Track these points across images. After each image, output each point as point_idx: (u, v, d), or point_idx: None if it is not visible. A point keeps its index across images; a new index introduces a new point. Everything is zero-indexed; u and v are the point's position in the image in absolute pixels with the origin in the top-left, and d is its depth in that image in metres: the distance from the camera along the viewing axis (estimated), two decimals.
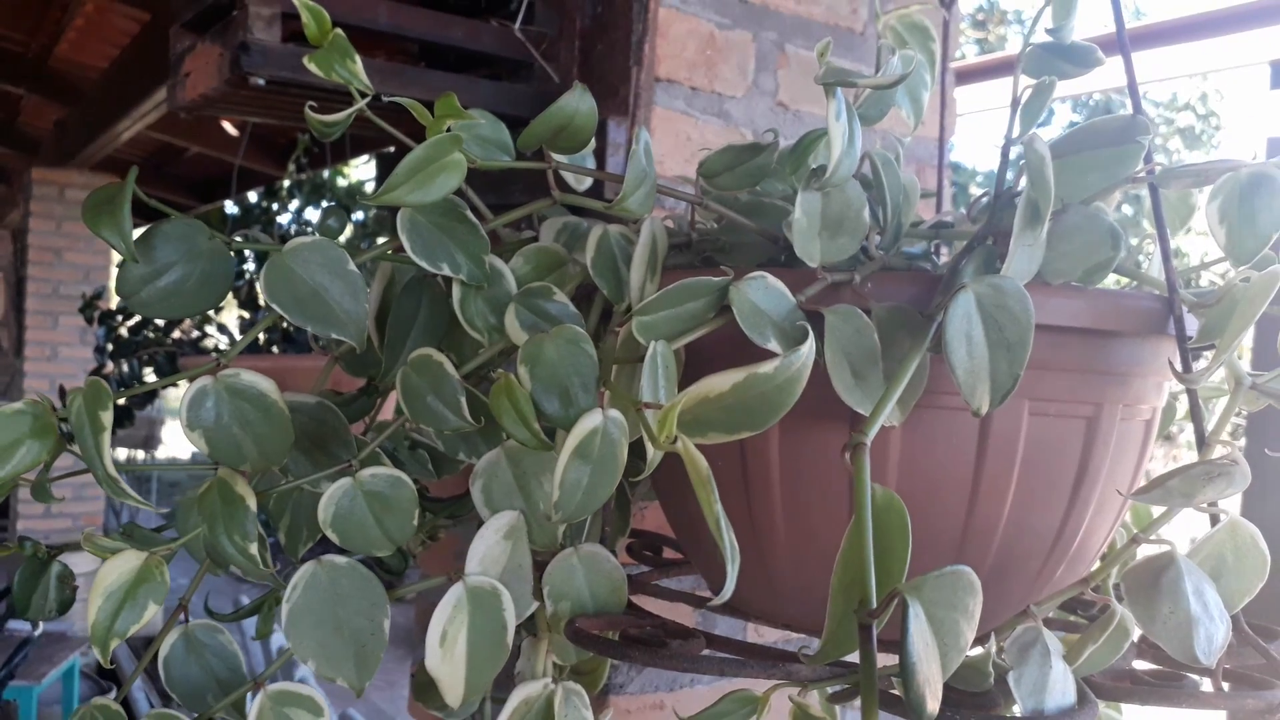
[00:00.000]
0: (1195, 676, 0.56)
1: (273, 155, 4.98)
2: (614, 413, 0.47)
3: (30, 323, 5.18)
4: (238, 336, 1.89)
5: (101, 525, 5.34)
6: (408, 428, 0.66)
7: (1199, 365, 0.56)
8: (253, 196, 5.62)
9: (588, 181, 0.68)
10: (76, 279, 5.26)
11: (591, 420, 0.46)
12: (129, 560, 0.52)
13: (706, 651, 0.58)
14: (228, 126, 4.61)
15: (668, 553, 0.86)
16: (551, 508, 0.46)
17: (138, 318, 2.06)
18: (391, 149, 1.49)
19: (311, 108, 0.63)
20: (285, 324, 2.05)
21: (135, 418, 2.10)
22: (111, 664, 0.55)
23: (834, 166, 0.47)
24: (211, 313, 2.06)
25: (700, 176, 0.59)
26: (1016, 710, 0.48)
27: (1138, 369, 0.60)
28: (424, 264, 0.54)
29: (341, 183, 5.84)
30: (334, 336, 0.53)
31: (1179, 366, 0.55)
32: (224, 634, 0.65)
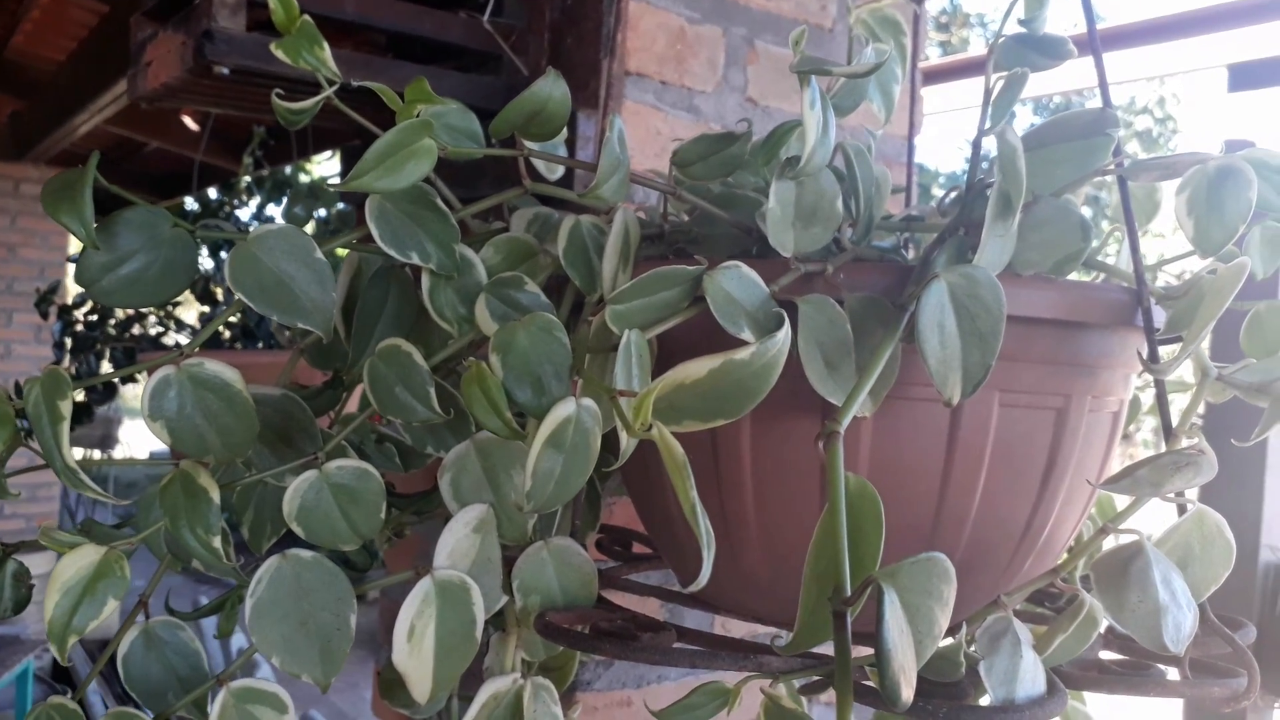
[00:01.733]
0: (1161, 666, 0.57)
1: (234, 151, 4.91)
2: (587, 401, 0.46)
3: None
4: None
5: (56, 525, 5.24)
6: (374, 421, 0.65)
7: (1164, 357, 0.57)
8: (213, 193, 5.56)
9: (559, 172, 0.67)
10: (31, 275, 5.16)
11: (565, 409, 0.45)
12: (87, 555, 0.51)
13: (677, 645, 0.57)
14: (188, 121, 4.55)
15: (637, 547, 0.86)
16: (523, 498, 0.46)
17: (95, 313, 2.02)
18: (357, 143, 1.47)
19: (279, 95, 0.62)
20: (246, 319, 2.02)
21: (94, 415, 2.06)
22: (68, 665, 0.54)
23: (808, 155, 0.47)
24: (173, 309, 2.03)
25: (674, 166, 0.58)
26: (986, 700, 0.48)
27: (1106, 361, 0.60)
28: (393, 252, 0.54)
29: (304, 179, 5.77)
30: (300, 326, 0.52)
31: (1147, 357, 0.55)
32: (185, 631, 0.64)
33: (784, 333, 0.43)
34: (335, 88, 0.64)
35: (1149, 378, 0.61)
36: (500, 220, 0.70)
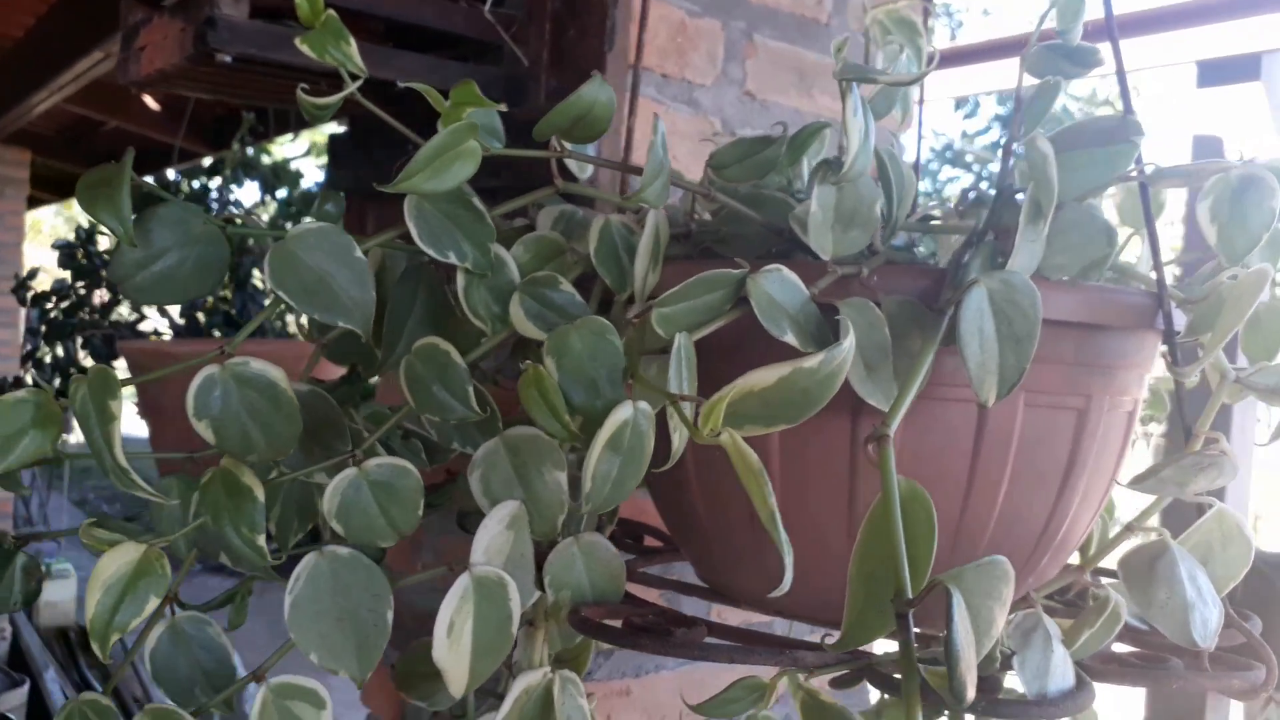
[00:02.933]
0: (1177, 659, 0.58)
1: (196, 131, 4.84)
2: (643, 405, 0.47)
3: None
4: (179, 321, 1.84)
5: (11, 513, 5.16)
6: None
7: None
8: (171, 174, 5.47)
9: (589, 171, 0.68)
10: None
11: (623, 412, 0.46)
12: (128, 552, 0.51)
13: (708, 639, 0.58)
14: (149, 100, 4.47)
15: (648, 541, 0.87)
16: (584, 498, 0.46)
17: (71, 300, 1.99)
18: (344, 130, 1.46)
19: (304, 90, 0.62)
20: (230, 307, 2.00)
21: None
22: (107, 662, 0.54)
23: (851, 161, 0.48)
24: None
25: (710, 168, 0.59)
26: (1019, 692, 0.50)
27: (1123, 362, 0.62)
28: (431, 251, 0.54)
29: (266, 159, 5.70)
30: (340, 325, 0.52)
31: (1170, 360, 0.57)
32: (212, 626, 0.63)
33: (850, 342, 0.44)
34: (359, 83, 0.64)
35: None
36: (521, 217, 0.70)
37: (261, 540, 0.51)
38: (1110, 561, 0.64)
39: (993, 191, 0.67)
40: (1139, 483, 0.53)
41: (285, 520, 0.62)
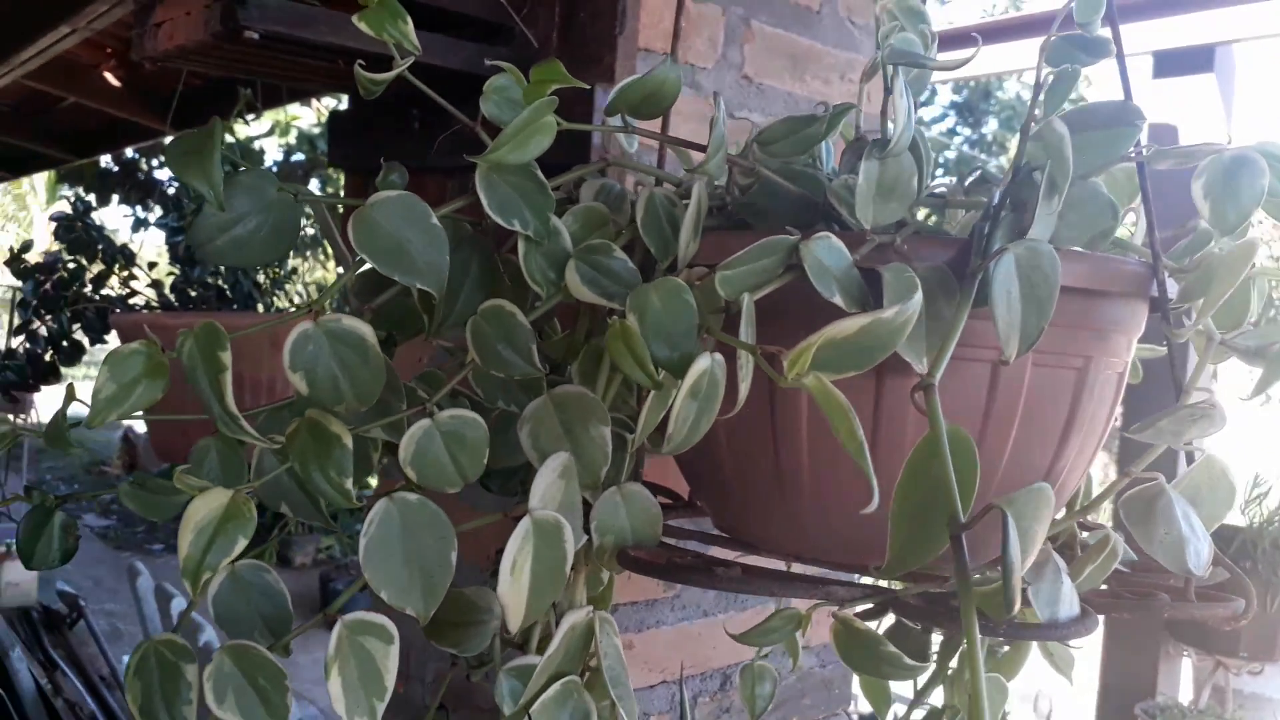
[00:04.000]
0: (1164, 594, 0.65)
1: (154, 108, 4.78)
2: (719, 356, 0.51)
3: None
4: (170, 295, 1.85)
5: None
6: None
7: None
8: (129, 152, 5.39)
9: (635, 144, 0.72)
10: None
11: (703, 363, 0.51)
12: (218, 497, 0.54)
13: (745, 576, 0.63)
14: (109, 76, 4.41)
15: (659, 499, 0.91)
16: (666, 440, 0.51)
17: (62, 274, 2.00)
18: (342, 105, 1.49)
19: (362, 66, 0.65)
20: (221, 282, 2.01)
21: (60, 375, 2.02)
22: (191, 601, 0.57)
23: (898, 138, 0.53)
24: (145, 270, 2.01)
25: (757, 144, 0.64)
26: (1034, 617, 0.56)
27: (1117, 326, 0.67)
28: (498, 219, 0.58)
29: (229, 139, 5.65)
30: (417, 286, 0.56)
31: (1166, 324, 0.63)
32: (270, 573, 0.67)
33: (919, 296, 0.48)
34: (410, 61, 0.67)
35: None
36: (558, 190, 0.74)
37: (349, 483, 0.55)
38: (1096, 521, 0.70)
39: (996, 172, 0.73)
40: (1139, 431, 0.58)
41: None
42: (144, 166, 4.85)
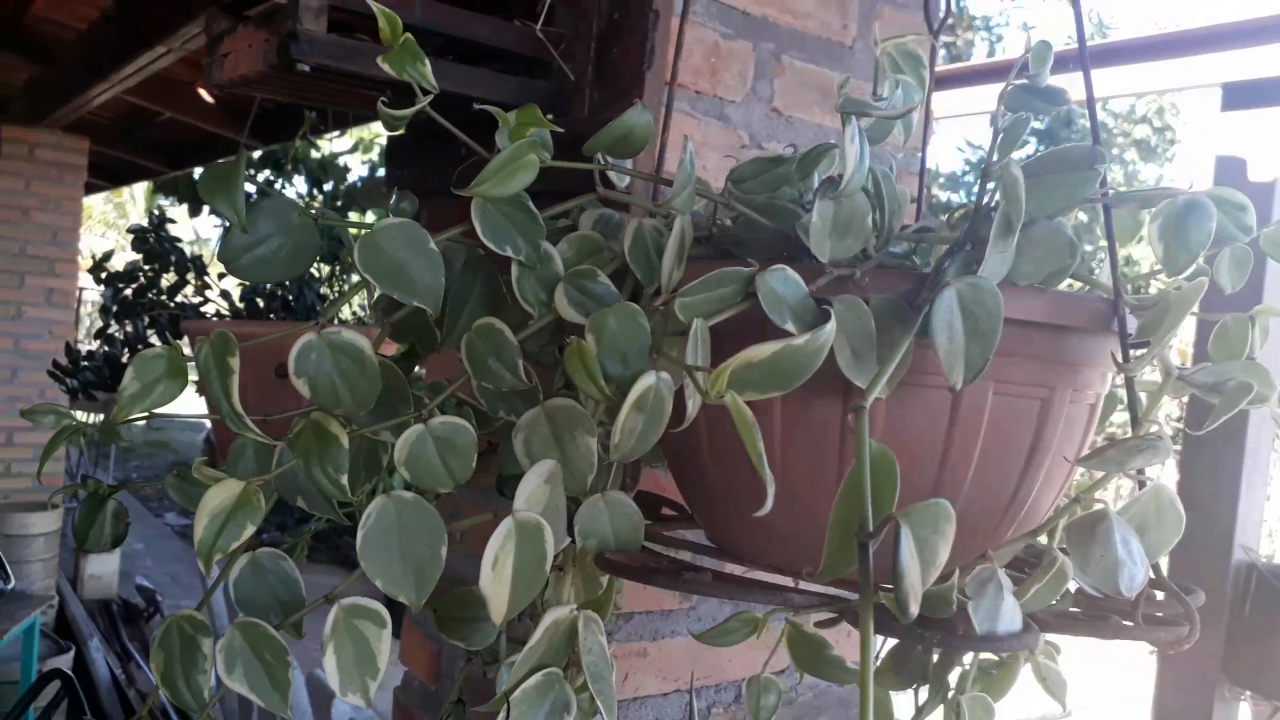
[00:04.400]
0: (1118, 617, 0.67)
1: (242, 123, 4.99)
2: (664, 374, 0.56)
3: None
4: (238, 304, 1.97)
5: (62, 485, 5.35)
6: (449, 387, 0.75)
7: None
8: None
9: (626, 180, 0.77)
10: (44, 239, 5.25)
11: (647, 380, 0.56)
12: (230, 488, 0.61)
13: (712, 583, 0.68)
14: (202, 93, 4.62)
15: (664, 510, 0.96)
16: (613, 448, 0.56)
17: (140, 281, 2.13)
18: (402, 132, 1.57)
19: (383, 102, 0.72)
20: (287, 293, 2.12)
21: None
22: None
23: (847, 180, 0.58)
24: (215, 280, 2.13)
25: (729, 181, 0.69)
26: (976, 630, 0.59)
27: (1086, 360, 0.71)
28: (492, 245, 0.64)
29: (315, 155, 5.86)
30: (413, 305, 0.62)
31: (1119, 358, 0.66)
32: (286, 561, 0.74)
33: (831, 325, 0.53)
34: (430, 98, 0.74)
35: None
36: (564, 218, 0.80)
37: (344, 479, 0.61)
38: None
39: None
40: (1088, 460, 0.62)
41: (355, 471, 0.72)
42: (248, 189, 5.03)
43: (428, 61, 0.72)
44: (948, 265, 0.63)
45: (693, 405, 0.57)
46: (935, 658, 0.90)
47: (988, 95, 3.06)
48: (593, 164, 0.69)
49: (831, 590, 0.67)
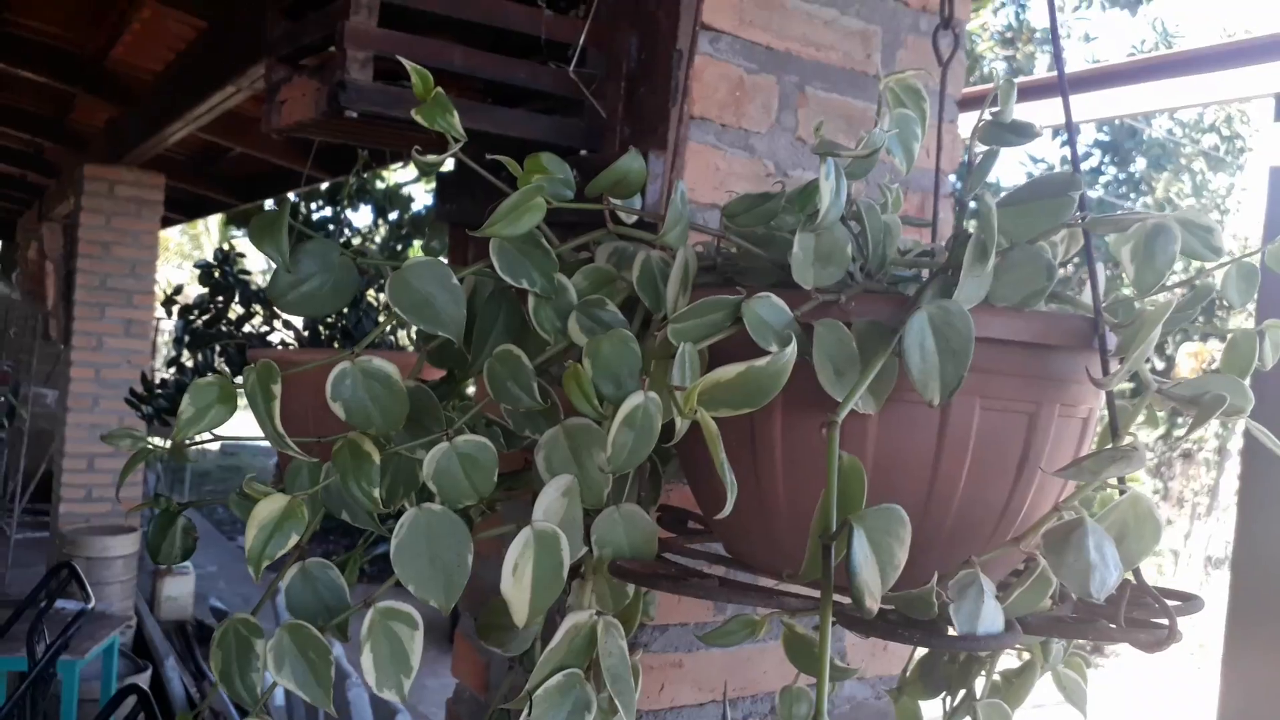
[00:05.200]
0: (1104, 620, 0.71)
1: (307, 155, 5.18)
2: (653, 394, 0.62)
3: (78, 313, 5.39)
4: (303, 332, 2.07)
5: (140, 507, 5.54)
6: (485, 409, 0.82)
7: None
8: (291, 196, 5.81)
9: (634, 217, 0.84)
10: (123, 272, 5.48)
11: (636, 399, 0.61)
12: (278, 501, 0.68)
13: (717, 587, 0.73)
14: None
15: (690, 524, 1.01)
16: (605, 462, 0.62)
17: (210, 313, 2.25)
18: (451, 169, 1.65)
19: (419, 152, 0.79)
20: (346, 322, 2.22)
21: None
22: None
23: (823, 215, 0.63)
24: (280, 311, 2.25)
25: (723, 216, 0.74)
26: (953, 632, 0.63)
27: (1075, 376, 0.74)
28: (508, 279, 0.70)
29: (380, 185, 6.03)
30: (439, 334, 0.69)
31: (1099, 373, 0.70)
32: (333, 570, 0.81)
33: (791, 348, 0.58)
34: (460, 145, 0.81)
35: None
36: (586, 250, 0.86)
37: (377, 493, 0.68)
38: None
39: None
40: (1064, 471, 0.66)
41: (394, 486, 0.79)
42: (303, 210, 5.20)
43: (456, 113, 0.79)
44: (926, 290, 0.68)
45: (681, 422, 0.62)
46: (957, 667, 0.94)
47: (1050, 109, 3.05)
48: (601, 204, 0.75)
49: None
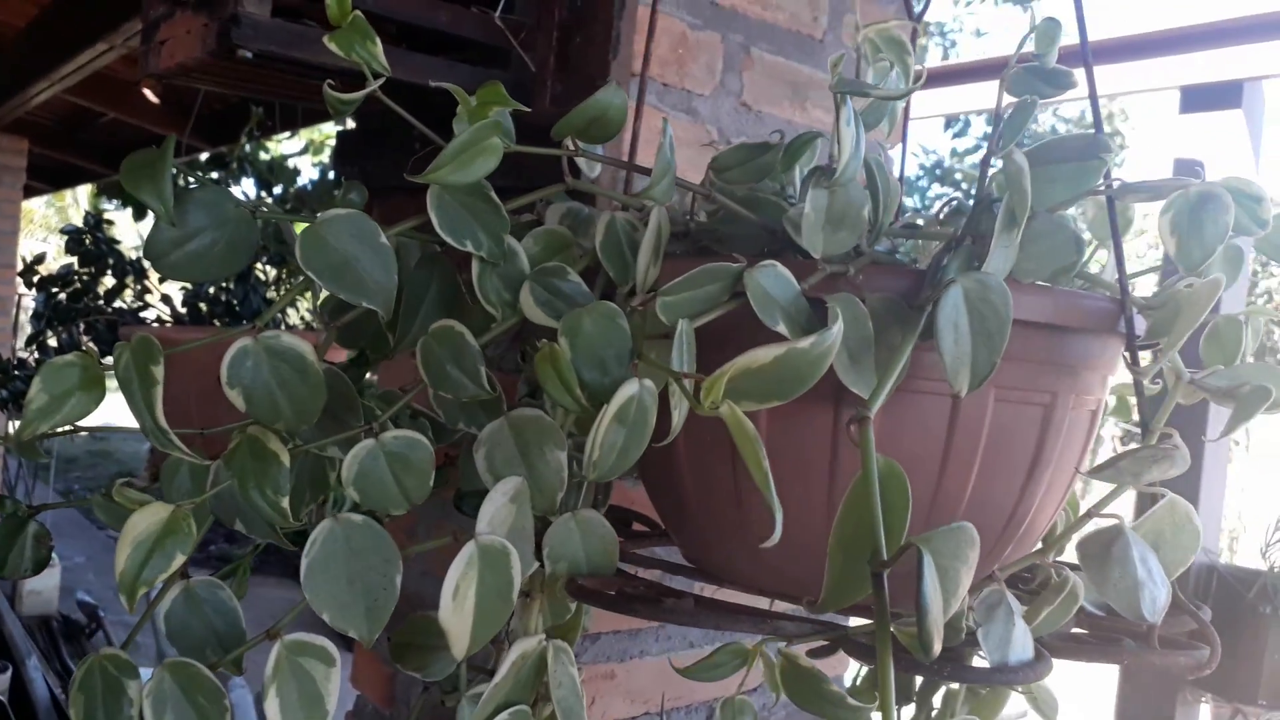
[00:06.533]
0: (1130, 639, 0.63)
1: (195, 126, 4.87)
2: (648, 382, 0.51)
3: None
4: (180, 309, 1.87)
5: None
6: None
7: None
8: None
9: (598, 170, 0.72)
10: None
11: (630, 388, 0.50)
12: (157, 512, 0.54)
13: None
14: (148, 93, 4.49)
15: (635, 526, 0.90)
16: (589, 466, 0.50)
17: (76, 285, 2.02)
18: (352, 126, 1.50)
19: (331, 86, 0.65)
20: (231, 298, 2.03)
21: None
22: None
23: (843, 167, 0.52)
24: (156, 283, 2.03)
25: (711, 171, 0.63)
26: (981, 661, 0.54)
27: (1088, 363, 0.66)
28: (449, 239, 0.58)
29: (265, 156, 5.72)
30: (361, 306, 0.56)
31: (1130, 361, 0.61)
32: (224, 590, 0.67)
33: (838, 328, 0.48)
34: (381, 81, 0.68)
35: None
36: (529, 213, 0.74)
37: (285, 502, 0.55)
38: (1071, 552, 0.68)
39: (971, 201, 0.71)
40: (1099, 472, 0.57)
41: (299, 491, 0.66)
42: (180, 182, 4.89)
43: (378, 41, 0.66)
44: (947, 261, 0.58)
45: (678, 416, 0.51)
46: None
47: (945, 98, 3.04)
48: (561, 150, 0.63)
49: (823, 616, 0.61)
